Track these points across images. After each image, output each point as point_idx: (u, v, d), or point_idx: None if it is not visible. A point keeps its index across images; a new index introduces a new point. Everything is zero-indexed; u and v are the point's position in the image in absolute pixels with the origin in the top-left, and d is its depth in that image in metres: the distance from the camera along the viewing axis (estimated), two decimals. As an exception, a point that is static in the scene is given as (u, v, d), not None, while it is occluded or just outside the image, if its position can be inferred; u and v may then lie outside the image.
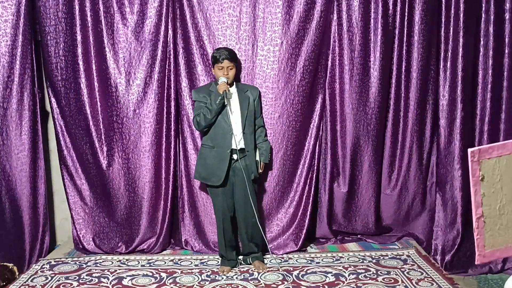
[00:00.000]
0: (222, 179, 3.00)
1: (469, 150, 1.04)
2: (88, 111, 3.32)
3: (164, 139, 3.41)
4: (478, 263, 0.95)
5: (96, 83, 3.31)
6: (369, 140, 3.51)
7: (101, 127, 3.35)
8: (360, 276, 2.99)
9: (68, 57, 3.26)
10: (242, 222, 3.13)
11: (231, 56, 2.99)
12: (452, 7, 3.15)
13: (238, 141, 3.00)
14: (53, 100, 3.34)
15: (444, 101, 3.23)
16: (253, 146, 3.10)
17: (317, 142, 3.50)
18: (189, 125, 3.38)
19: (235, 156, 3.00)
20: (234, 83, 3.11)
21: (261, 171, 3.17)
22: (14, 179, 3.22)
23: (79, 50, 3.25)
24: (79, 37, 3.24)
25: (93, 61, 3.29)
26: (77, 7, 3.22)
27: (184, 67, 3.35)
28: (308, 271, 3.09)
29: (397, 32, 3.42)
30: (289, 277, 2.99)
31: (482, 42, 3.20)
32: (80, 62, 3.27)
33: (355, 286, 2.84)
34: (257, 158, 3.13)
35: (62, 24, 3.22)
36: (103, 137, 3.36)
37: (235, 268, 3.15)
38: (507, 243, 1.00)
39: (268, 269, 3.13)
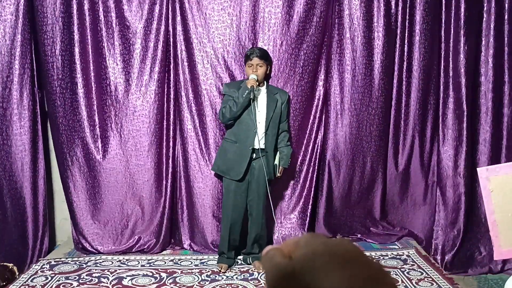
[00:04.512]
0: (241, 174, 3.01)
1: (478, 169, 1.25)
2: (85, 111, 3.29)
3: (164, 139, 3.40)
4: (496, 259, 1.20)
5: (93, 83, 3.29)
6: (371, 140, 3.50)
7: (98, 128, 3.33)
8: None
9: (65, 57, 3.23)
10: (252, 222, 3.14)
11: (261, 54, 3.00)
12: (453, 7, 3.14)
13: (259, 141, 3.00)
14: (48, 99, 3.31)
15: (446, 101, 3.21)
16: (273, 148, 3.09)
17: (317, 142, 3.50)
18: (192, 124, 3.37)
19: (254, 155, 3.01)
20: (265, 83, 3.10)
21: (279, 175, 3.16)
22: (15, 178, 3.21)
23: (77, 50, 3.22)
24: (76, 36, 3.21)
25: (91, 61, 3.26)
26: (75, 6, 3.19)
27: (184, 66, 3.33)
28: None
29: (398, 31, 3.41)
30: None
31: (483, 42, 3.19)
32: (78, 62, 3.24)
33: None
34: (276, 161, 3.12)
35: (59, 23, 3.19)
36: (99, 138, 3.34)
37: (235, 268, 3.15)
38: None
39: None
